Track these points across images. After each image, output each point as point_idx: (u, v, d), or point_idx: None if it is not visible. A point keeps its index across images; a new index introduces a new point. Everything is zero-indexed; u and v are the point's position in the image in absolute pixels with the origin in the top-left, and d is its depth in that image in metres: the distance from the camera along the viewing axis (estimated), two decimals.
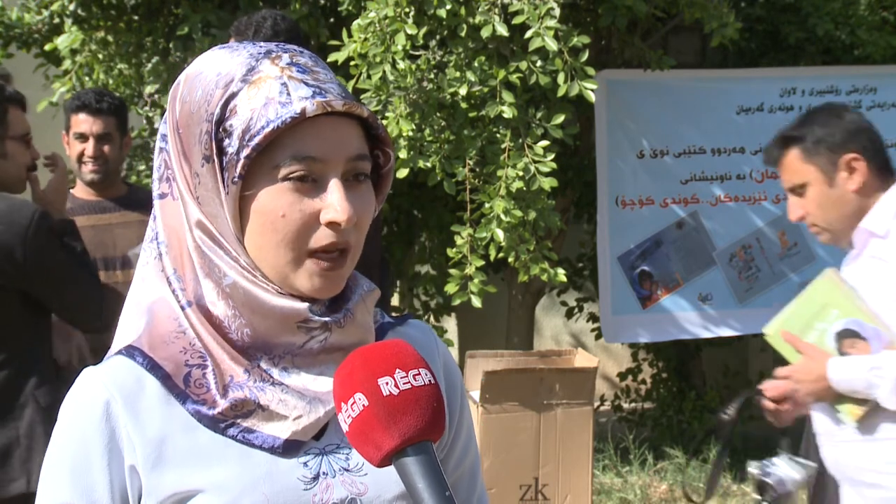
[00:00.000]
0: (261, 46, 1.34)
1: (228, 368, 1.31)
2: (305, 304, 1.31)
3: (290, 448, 1.31)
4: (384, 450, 1.15)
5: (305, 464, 1.32)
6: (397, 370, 1.17)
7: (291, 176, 1.27)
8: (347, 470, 1.33)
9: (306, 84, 1.28)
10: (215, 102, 1.29)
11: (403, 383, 1.16)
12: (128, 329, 1.37)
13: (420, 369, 1.18)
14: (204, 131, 1.29)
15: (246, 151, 1.26)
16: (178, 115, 1.33)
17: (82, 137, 4.16)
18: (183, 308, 1.32)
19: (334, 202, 1.28)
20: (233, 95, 1.28)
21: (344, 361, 1.20)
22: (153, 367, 1.31)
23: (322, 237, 1.29)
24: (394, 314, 1.50)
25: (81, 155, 4.16)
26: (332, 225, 1.28)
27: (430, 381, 1.18)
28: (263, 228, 1.28)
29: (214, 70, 1.31)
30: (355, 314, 1.35)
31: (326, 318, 1.32)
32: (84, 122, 4.16)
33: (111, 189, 4.21)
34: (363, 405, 1.15)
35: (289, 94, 1.27)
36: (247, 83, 1.28)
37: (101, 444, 1.29)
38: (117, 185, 4.27)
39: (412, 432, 1.15)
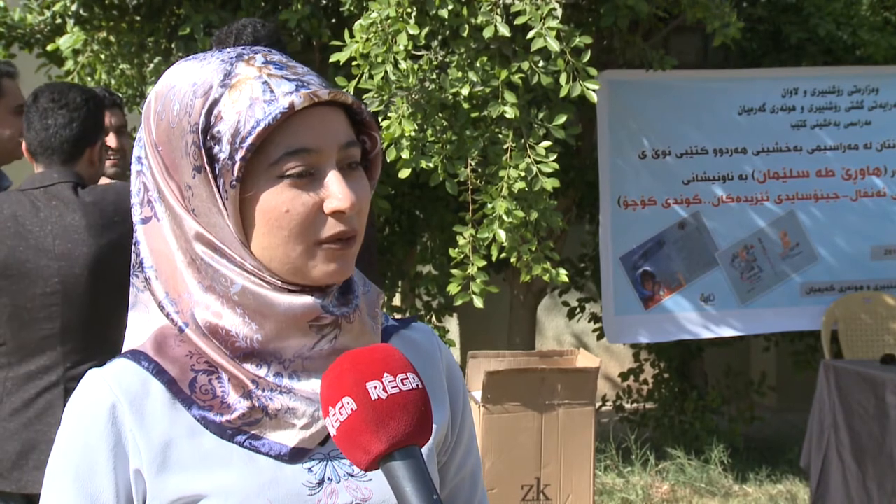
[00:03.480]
0: (230, 52, 1.33)
1: (236, 378, 1.30)
2: (317, 300, 1.30)
3: (295, 454, 1.31)
4: (372, 454, 1.15)
5: (310, 469, 1.31)
6: (385, 374, 1.16)
7: (289, 171, 1.26)
8: (352, 475, 1.33)
9: (287, 79, 1.28)
10: (197, 112, 1.27)
11: (392, 387, 1.16)
12: (132, 341, 1.37)
13: (408, 373, 1.18)
14: (190, 142, 1.28)
15: (240, 154, 1.25)
16: (154, 133, 1.32)
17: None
18: (181, 330, 1.31)
19: (336, 191, 1.27)
20: (215, 102, 1.27)
21: (332, 365, 1.19)
22: (159, 372, 1.30)
23: (329, 227, 1.28)
24: (396, 316, 1.49)
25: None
26: (336, 214, 1.28)
27: (417, 385, 1.18)
28: (269, 227, 1.28)
29: (188, 81, 1.30)
30: (361, 311, 1.35)
31: (336, 313, 1.31)
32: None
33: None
34: (351, 409, 1.15)
35: (272, 91, 1.26)
36: (227, 87, 1.27)
37: (107, 447, 1.28)
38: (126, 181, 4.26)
39: (400, 436, 1.15)
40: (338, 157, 1.29)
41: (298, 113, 1.26)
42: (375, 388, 1.15)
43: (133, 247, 1.37)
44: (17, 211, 3.12)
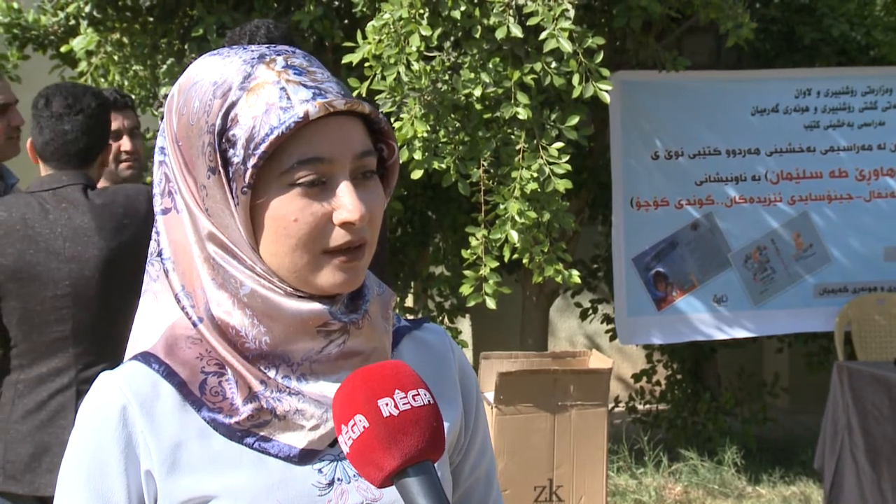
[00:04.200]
0: (252, 51, 1.32)
1: (245, 380, 1.30)
2: (325, 307, 1.30)
3: (305, 456, 1.31)
4: (385, 470, 1.15)
5: (320, 470, 1.32)
6: (396, 391, 1.17)
7: (301, 180, 1.26)
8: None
9: (305, 86, 1.27)
10: (215, 113, 1.27)
11: (403, 404, 1.16)
12: (142, 338, 1.37)
13: (419, 389, 1.18)
14: (206, 143, 1.28)
15: (252, 161, 1.25)
16: (175, 127, 1.32)
17: (115, 135, 3.99)
18: (195, 325, 1.31)
19: (346, 203, 1.27)
20: (232, 105, 1.27)
21: (343, 382, 1.20)
22: (169, 374, 1.31)
23: (337, 237, 1.28)
24: (409, 317, 1.49)
25: (117, 152, 4.05)
26: (345, 225, 1.28)
27: (429, 401, 1.18)
28: (277, 235, 1.28)
29: (209, 79, 1.30)
30: (371, 315, 1.35)
31: (345, 320, 1.31)
32: (115, 119, 3.96)
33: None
34: (364, 427, 1.15)
35: (289, 98, 1.26)
36: (245, 91, 1.27)
37: (118, 449, 1.29)
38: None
39: (413, 452, 1.15)
40: (352, 166, 1.29)
41: (313, 121, 1.25)
42: (387, 405, 1.15)
43: (154, 235, 1.37)
44: (27, 214, 3.12)
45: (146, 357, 1.33)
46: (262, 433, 1.30)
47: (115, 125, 4.04)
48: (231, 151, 1.27)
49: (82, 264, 3.11)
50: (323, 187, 1.27)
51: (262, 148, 1.24)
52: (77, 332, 3.13)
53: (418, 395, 1.17)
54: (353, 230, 1.28)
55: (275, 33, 3.52)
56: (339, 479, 1.32)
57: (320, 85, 1.29)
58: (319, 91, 1.27)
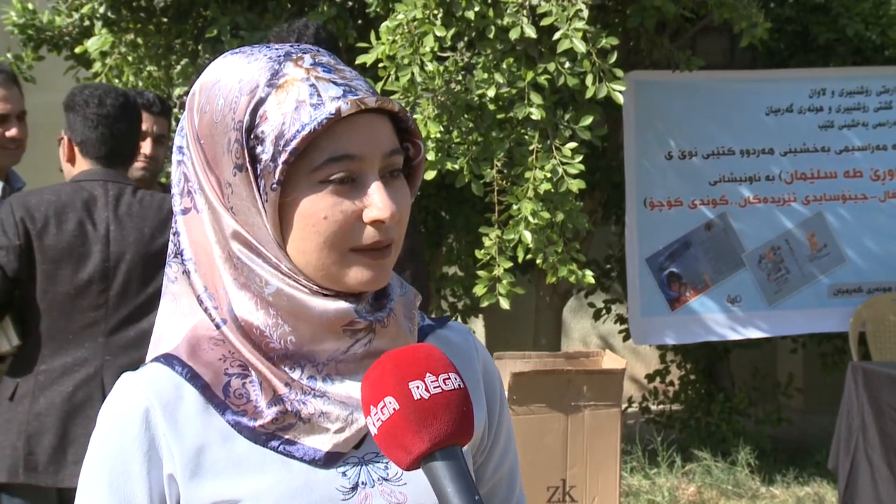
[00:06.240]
0: (277, 49, 1.31)
1: (269, 382, 1.30)
2: (351, 305, 1.29)
3: (329, 459, 1.30)
4: (414, 453, 1.14)
5: (344, 473, 1.31)
6: (427, 374, 1.16)
7: (331, 177, 1.25)
8: (387, 479, 1.32)
9: (335, 83, 1.26)
10: (242, 110, 1.26)
11: (434, 387, 1.15)
12: (163, 340, 1.36)
13: (450, 373, 1.18)
14: (233, 140, 1.27)
15: (283, 157, 1.24)
16: (197, 125, 1.31)
17: (140, 135, 4.13)
18: (218, 326, 1.31)
19: (376, 201, 1.26)
20: (261, 101, 1.26)
21: (373, 365, 1.19)
22: (192, 377, 1.30)
23: (367, 236, 1.27)
24: (431, 316, 1.49)
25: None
26: (375, 223, 1.27)
27: (459, 385, 1.17)
28: (305, 232, 1.27)
29: (234, 77, 1.29)
30: (396, 314, 1.34)
31: (370, 318, 1.31)
32: (146, 121, 4.11)
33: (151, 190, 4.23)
34: (394, 409, 1.14)
35: (319, 95, 1.25)
36: (274, 88, 1.26)
37: (141, 452, 1.28)
38: (155, 187, 4.29)
39: (442, 436, 1.14)
40: (381, 164, 1.28)
41: (344, 119, 1.25)
42: (418, 387, 1.15)
43: (172, 236, 1.36)
44: (76, 199, 3.22)
45: (169, 359, 1.32)
46: (286, 436, 1.29)
47: (144, 126, 4.12)
48: (259, 148, 1.26)
49: (125, 251, 3.21)
50: (353, 185, 1.27)
51: (293, 144, 1.24)
52: (110, 319, 3.19)
53: (449, 378, 1.17)
54: (382, 229, 1.28)
55: (322, 35, 3.58)
56: (362, 483, 1.32)
57: (350, 83, 1.28)
58: (350, 88, 1.27)
